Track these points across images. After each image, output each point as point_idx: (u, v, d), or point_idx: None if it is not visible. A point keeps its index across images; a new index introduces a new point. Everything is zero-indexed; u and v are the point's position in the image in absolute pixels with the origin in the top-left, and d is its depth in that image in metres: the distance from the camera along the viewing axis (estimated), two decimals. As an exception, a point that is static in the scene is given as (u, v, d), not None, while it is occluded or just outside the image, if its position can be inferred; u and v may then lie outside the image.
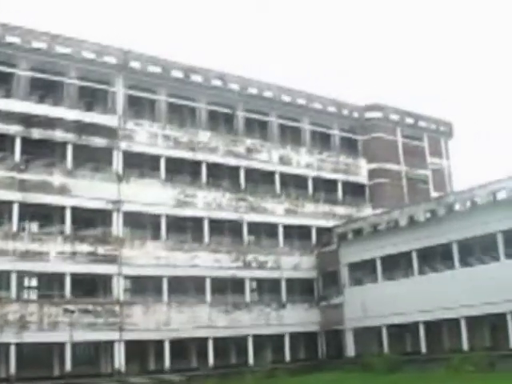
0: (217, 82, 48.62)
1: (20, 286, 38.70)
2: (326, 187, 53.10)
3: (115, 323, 39.94)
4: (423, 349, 41.93)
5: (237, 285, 46.47)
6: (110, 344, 39.85)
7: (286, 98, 52.25)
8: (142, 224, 43.67)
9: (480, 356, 36.18)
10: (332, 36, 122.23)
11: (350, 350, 46.59)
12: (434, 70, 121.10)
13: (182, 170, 46.10)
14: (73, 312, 38.55)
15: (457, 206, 42.39)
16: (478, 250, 40.94)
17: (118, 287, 40.93)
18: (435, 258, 43.35)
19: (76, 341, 38.22)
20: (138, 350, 40.66)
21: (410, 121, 59.00)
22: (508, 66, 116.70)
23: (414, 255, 43.24)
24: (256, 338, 45.20)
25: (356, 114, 56.61)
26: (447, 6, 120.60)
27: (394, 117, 57.96)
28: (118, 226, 41.92)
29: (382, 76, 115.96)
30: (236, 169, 48.52)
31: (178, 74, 46.70)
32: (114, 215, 41.84)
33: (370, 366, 41.40)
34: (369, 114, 57.16)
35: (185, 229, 45.57)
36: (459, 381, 32.79)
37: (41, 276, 39.81)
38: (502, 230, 38.38)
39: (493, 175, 45.33)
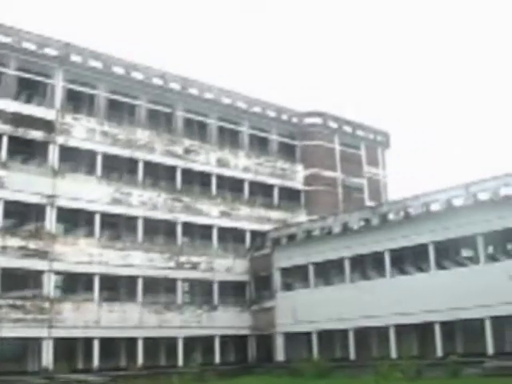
0: (158, 81, 48.26)
1: None
2: (262, 191, 53.30)
3: (44, 320, 39.16)
4: (352, 355, 42.41)
5: (169, 285, 46.19)
6: (38, 341, 38.94)
7: (227, 101, 52.20)
8: (76, 220, 43.05)
9: (408, 364, 36.77)
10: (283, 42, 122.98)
11: (280, 354, 46.78)
12: (377, 82, 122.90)
13: (118, 168, 45.58)
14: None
15: (390, 216, 43.02)
16: (409, 260, 41.72)
17: (49, 283, 40.15)
18: (367, 265, 44.00)
19: (3, 336, 37.32)
20: (66, 348, 39.95)
21: (348, 129, 59.69)
22: (450, 81, 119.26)
23: (347, 262, 43.75)
24: (186, 339, 44.97)
25: (295, 120, 56.94)
26: (386, 16, 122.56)
27: (333, 124, 58.52)
28: (51, 222, 41.11)
29: (326, 84, 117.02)
30: (173, 169, 48.25)
31: (119, 70, 46.17)
32: (48, 210, 41.01)
33: (299, 371, 41.62)
34: (308, 120, 57.55)
35: (119, 227, 45.11)
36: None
37: (-31, 269, 38.94)
38: (434, 240, 39.22)
39: (427, 186, 46.23)
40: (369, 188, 60.31)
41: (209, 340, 46.49)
